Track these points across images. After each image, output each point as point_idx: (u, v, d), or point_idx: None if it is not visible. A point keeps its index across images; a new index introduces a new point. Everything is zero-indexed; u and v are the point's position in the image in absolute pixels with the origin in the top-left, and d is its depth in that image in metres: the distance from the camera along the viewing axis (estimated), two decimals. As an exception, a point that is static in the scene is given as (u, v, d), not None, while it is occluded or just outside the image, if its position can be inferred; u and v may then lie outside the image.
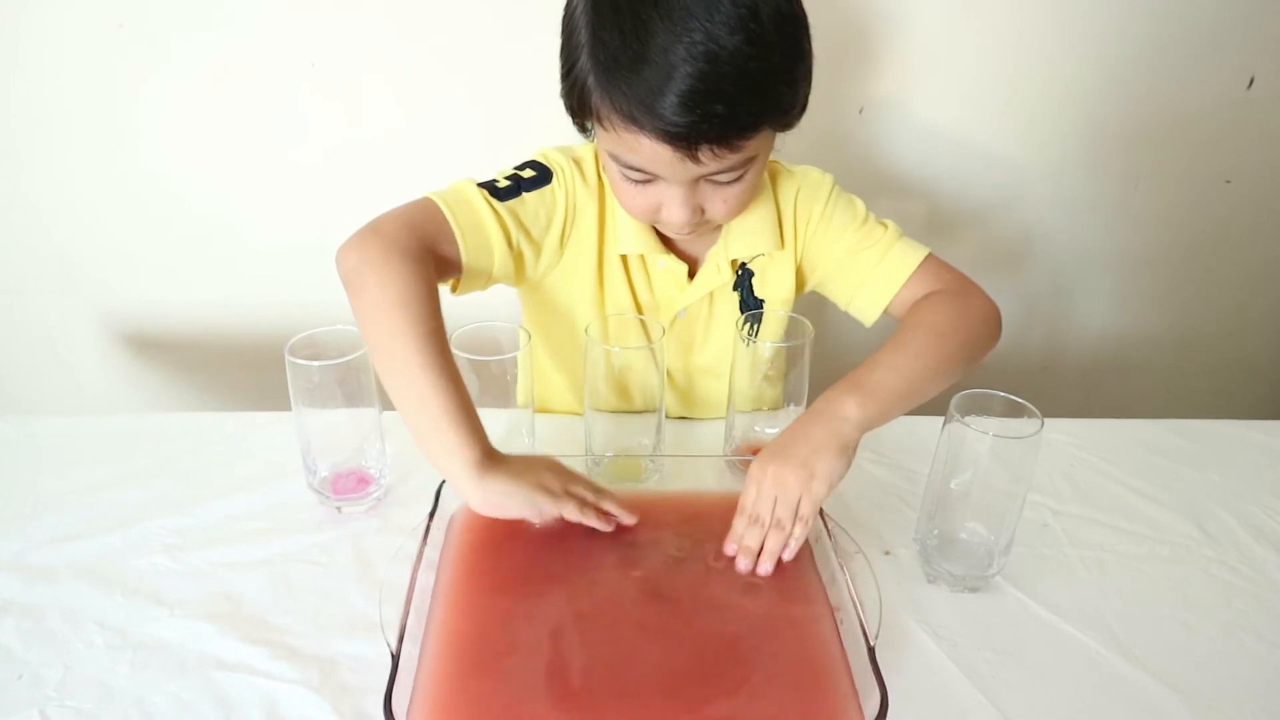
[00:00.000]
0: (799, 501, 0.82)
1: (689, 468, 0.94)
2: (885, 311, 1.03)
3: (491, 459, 0.79)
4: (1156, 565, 0.92)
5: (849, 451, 0.84)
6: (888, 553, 0.92)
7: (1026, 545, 0.93)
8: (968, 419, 0.80)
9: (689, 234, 0.95)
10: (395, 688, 0.65)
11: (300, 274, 1.49)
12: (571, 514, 0.82)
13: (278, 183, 1.47)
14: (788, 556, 0.82)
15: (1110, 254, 1.64)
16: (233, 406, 1.13)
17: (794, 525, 0.82)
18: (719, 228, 1.03)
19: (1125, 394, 1.78)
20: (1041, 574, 0.90)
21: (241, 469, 1.01)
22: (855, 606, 0.74)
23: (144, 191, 1.47)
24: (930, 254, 1.02)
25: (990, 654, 0.80)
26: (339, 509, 0.94)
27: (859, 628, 0.73)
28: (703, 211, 0.92)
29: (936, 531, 0.87)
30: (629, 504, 0.83)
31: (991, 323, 0.98)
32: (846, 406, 0.84)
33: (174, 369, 1.63)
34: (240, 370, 1.60)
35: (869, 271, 1.03)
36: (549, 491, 0.80)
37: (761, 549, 0.82)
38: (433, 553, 0.82)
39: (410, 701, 0.68)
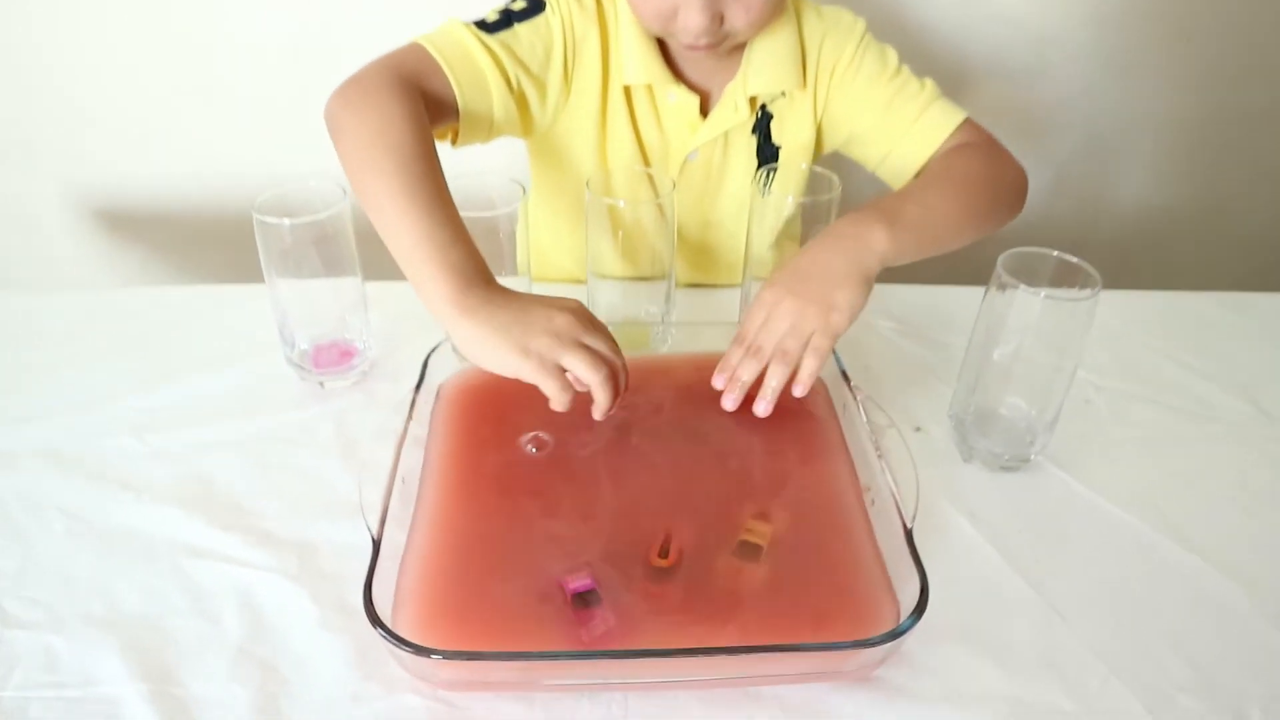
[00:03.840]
0: (812, 335, 0.74)
1: (701, 336, 0.85)
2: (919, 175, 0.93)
3: (475, 295, 0.68)
4: (1209, 445, 0.85)
5: (870, 283, 0.76)
6: (919, 429, 0.84)
7: (1067, 422, 0.84)
8: (1018, 281, 0.71)
9: (706, 48, 0.85)
10: (376, 576, 0.59)
11: (278, 139, 1.39)
12: (550, 391, 0.67)
13: (247, 43, 1.35)
14: (799, 392, 0.75)
15: (1151, 118, 1.53)
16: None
17: (805, 356, 0.74)
18: (738, 54, 0.93)
19: (1159, 269, 1.68)
20: (1085, 453, 0.82)
21: (215, 345, 0.93)
22: (890, 485, 0.67)
23: (106, 56, 1.35)
24: (969, 118, 0.93)
25: (1033, 538, 0.73)
26: (321, 384, 0.87)
27: (894, 508, 0.66)
28: (722, 21, 0.83)
29: (974, 406, 0.80)
30: (636, 369, 0.74)
31: (1019, 188, 0.90)
32: (875, 235, 0.76)
33: (150, 247, 1.54)
34: (220, 246, 1.51)
35: (905, 127, 0.93)
36: (528, 354, 0.66)
37: (759, 387, 0.76)
38: (420, 429, 0.75)
39: (395, 591, 0.62)
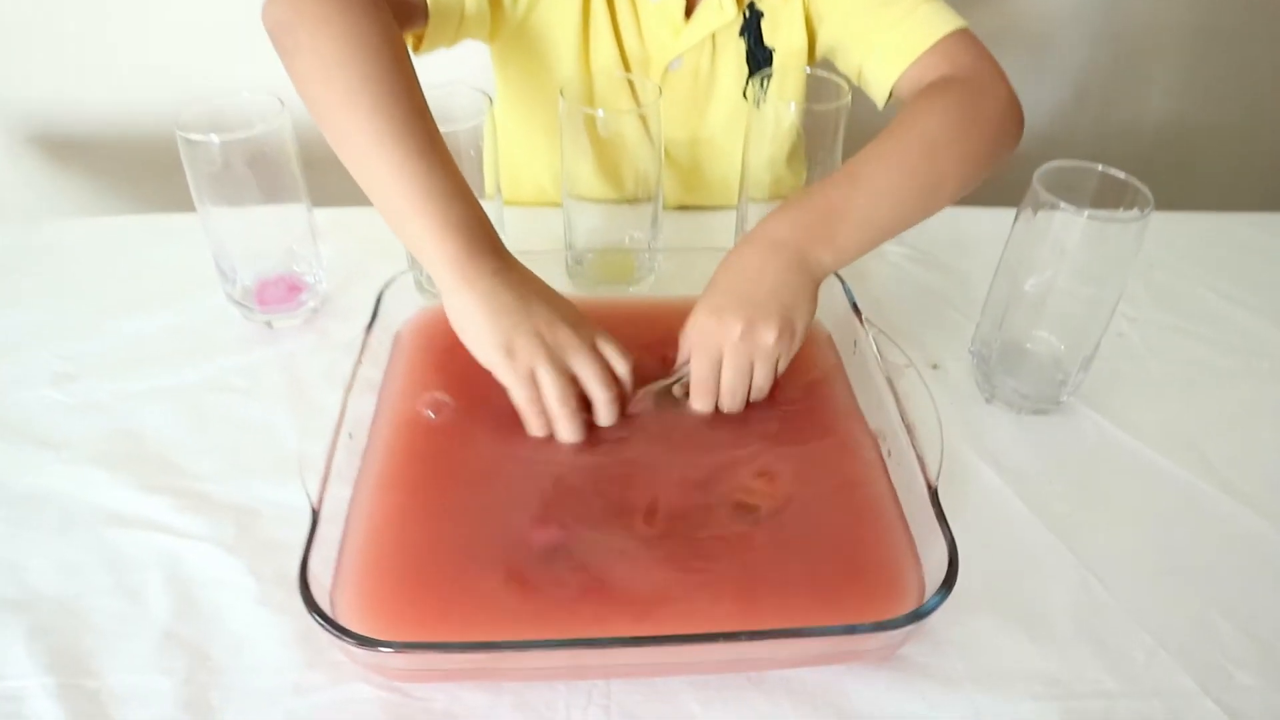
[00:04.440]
0: (777, 362, 0.64)
1: (692, 266, 0.75)
2: (893, 92, 0.80)
3: (483, 263, 0.60)
4: (1255, 383, 0.77)
5: (817, 296, 0.66)
6: (935, 367, 0.76)
7: (1099, 358, 0.76)
8: (1057, 199, 0.62)
9: None
10: (318, 548, 0.50)
11: (217, 51, 1.26)
12: (518, 403, 0.61)
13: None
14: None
15: (1179, 25, 1.41)
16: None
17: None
18: None
19: (1189, 189, 1.57)
20: (1120, 393, 0.74)
21: (150, 281, 0.83)
22: (909, 435, 0.59)
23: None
24: (965, 29, 0.78)
25: (1065, 489, 0.65)
26: (269, 324, 0.77)
27: (915, 461, 0.57)
28: None
29: (1000, 341, 0.71)
30: (618, 315, 0.66)
31: (1008, 123, 0.74)
32: (818, 248, 0.65)
33: (78, 174, 1.41)
34: (155, 172, 1.38)
35: (884, 31, 0.79)
36: (511, 353, 0.59)
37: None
38: (374, 373, 0.66)
39: (340, 565, 0.53)
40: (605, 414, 0.62)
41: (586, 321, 0.63)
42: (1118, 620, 0.57)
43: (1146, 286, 0.86)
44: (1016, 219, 0.66)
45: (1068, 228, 0.63)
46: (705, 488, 0.60)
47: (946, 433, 0.59)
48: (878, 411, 0.64)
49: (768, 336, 0.62)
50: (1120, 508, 0.65)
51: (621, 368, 0.63)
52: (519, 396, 0.60)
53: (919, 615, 0.48)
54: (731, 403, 0.64)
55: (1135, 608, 0.58)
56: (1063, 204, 0.61)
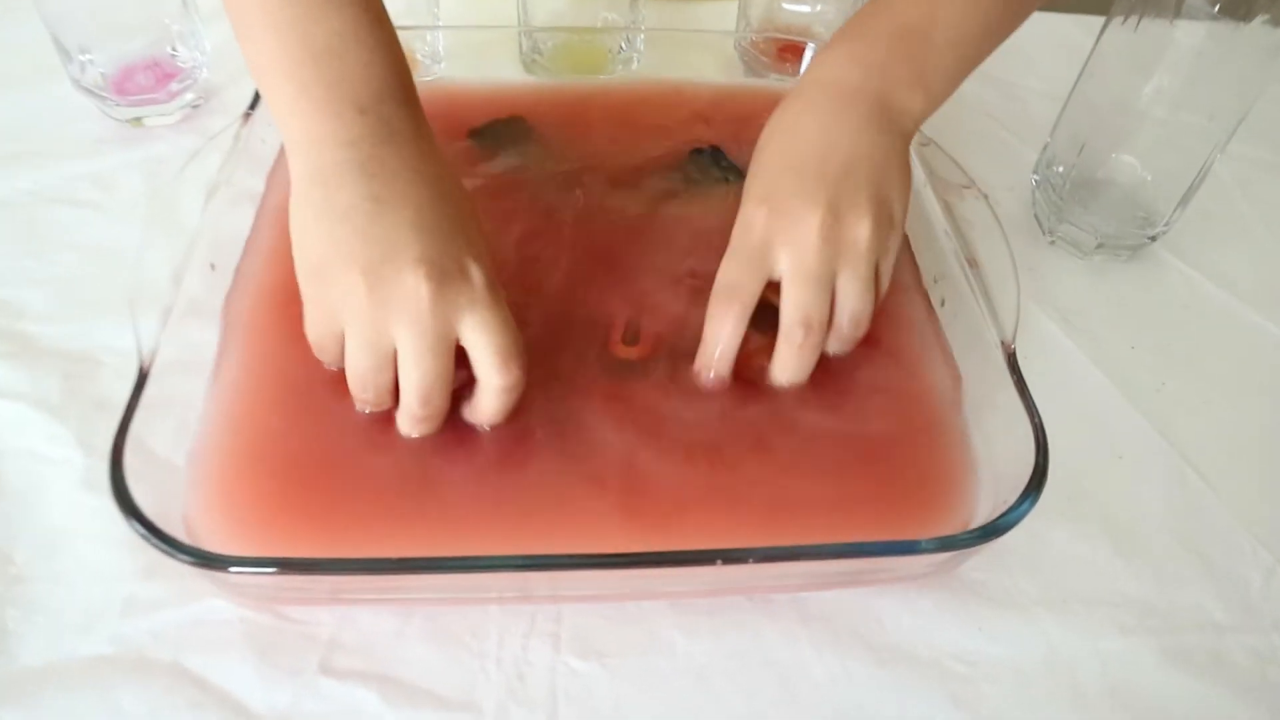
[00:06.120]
0: (878, 265, 0.42)
1: (680, 54, 0.58)
2: None
3: (339, 121, 0.38)
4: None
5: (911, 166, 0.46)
6: (984, 196, 0.60)
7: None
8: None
9: None
10: (137, 418, 0.35)
11: None
12: (311, 337, 0.40)
13: None
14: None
15: None
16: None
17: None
18: None
19: None
20: (1210, 239, 0.59)
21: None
22: (974, 279, 0.44)
23: None
24: None
25: (1152, 356, 0.52)
26: (137, 121, 0.60)
27: (980, 315, 0.43)
28: None
29: (1064, 167, 0.55)
30: (585, 100, 0.49)
31: None
32: (902, 91, 0.44)
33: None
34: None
35: None
36: (317, 278, 0.38)
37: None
38: (254, 181, 0.49)
39: (195, 444, 0.38)
40: (404, 423, 0.39)
41: (476, 278, 0.38)
42: (1225, 530, 0.44)
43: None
44: (1113, 9, 0.50)
45: (1188, 27, 0.46)
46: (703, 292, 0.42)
47: (1004, 279, 0.44)
48: (926, 248, 0.49)
49: (859, 228, 0.41)
50: (1222, 382, 0.51)
51: (495, 378, 0.38)
52: (310, 334, 0.40)
53: (998, 529, 0.34)
54: (802, 359, 0.42)
55: (1247, 515, 0.45)
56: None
